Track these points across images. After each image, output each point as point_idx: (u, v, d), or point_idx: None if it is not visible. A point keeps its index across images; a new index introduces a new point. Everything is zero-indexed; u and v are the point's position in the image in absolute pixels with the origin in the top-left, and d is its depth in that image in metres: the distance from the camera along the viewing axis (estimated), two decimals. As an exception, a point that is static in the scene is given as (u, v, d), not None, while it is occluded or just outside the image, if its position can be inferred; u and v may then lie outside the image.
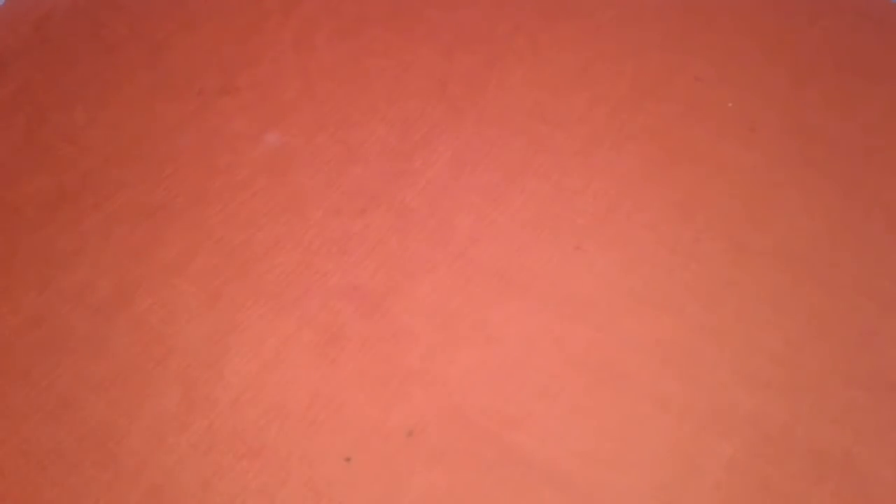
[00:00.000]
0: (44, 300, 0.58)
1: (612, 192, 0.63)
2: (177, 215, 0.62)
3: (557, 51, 0.70)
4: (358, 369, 0.55)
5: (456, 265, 0.57)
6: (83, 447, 0.53)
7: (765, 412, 0.53)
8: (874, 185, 0.63)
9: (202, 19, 0.75)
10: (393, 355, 0.55)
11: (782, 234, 0.61)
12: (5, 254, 0.54)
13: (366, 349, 0.55)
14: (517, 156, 0.64)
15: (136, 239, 0.61)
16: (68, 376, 0.56)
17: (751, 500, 0.51)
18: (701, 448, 0.52)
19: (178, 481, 0.49)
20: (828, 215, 0.62)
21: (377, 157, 0.66)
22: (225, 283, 0.59)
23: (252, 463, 0.51)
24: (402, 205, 0.62)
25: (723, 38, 0.72)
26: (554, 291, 0.59)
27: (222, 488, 0.49)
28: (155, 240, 0.61)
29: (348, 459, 0.50)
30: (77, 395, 0.55)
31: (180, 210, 0.62)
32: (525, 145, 0.64)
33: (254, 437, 0.52)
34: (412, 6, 0.72)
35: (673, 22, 0.72)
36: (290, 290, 0.59)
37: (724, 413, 0.54)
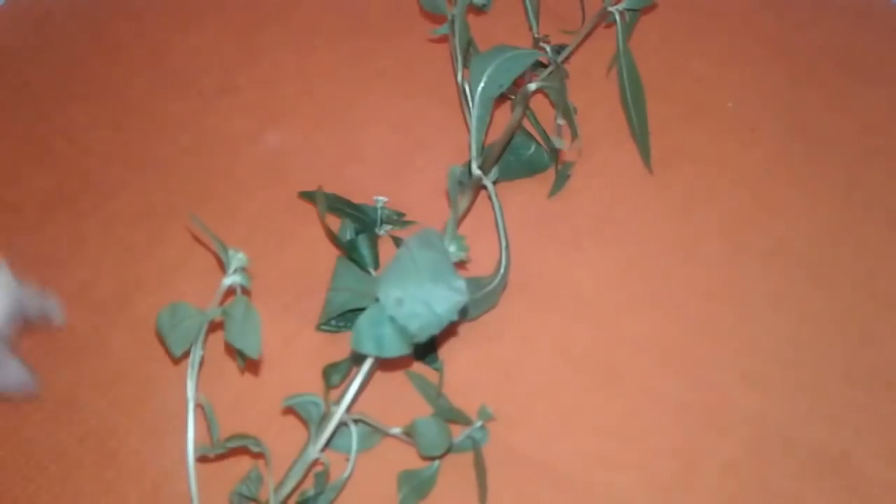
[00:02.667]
0: (44, 300, 0.58)
1: (611, 192, 0.63)
2: (177, 215, 0.62)
3: (557, 51, 0.70)
4: (358, 369, 0.55)
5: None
6: (83, 447, 0.53)
7: (764, 412, 0.54)
8: (874, 185, 0.63)
9: (202, 19, 0.75)
10: (393, 355, 0.55)
11: (782, 234, 0.61)
12: (5, 254, 0.54)
13: (366, 349, 0.55)
14: (517, 156, 0.64)
15: (136, 239, 0.61)
16: (68, 376, 0.56)
17: (751, 500, 0.51)
18: (701, 448, 0.52)
19: (179, 481, 0.49)
20: (828, 215, 0.62)
21: (377, 157, 0.66)
22: (225, 283, 0.59)
23: (252, 463, 0.51)
24: (401, 205, 0.61)
25: (723, 38, 0.72)
26: (554, 291, 0.59)
27: (222, 489, 0.49)
28: (155, 240, 0.61)
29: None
30: (77, 394, 0.55)
31: (180, 210, 0.62)
32: (525, 145, 0.64)
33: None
34: (412, 6, 0.72)
35: (673, 22, 0.72)
36: (290, 290, 0.59)
37: (724, 413, 0.54)
